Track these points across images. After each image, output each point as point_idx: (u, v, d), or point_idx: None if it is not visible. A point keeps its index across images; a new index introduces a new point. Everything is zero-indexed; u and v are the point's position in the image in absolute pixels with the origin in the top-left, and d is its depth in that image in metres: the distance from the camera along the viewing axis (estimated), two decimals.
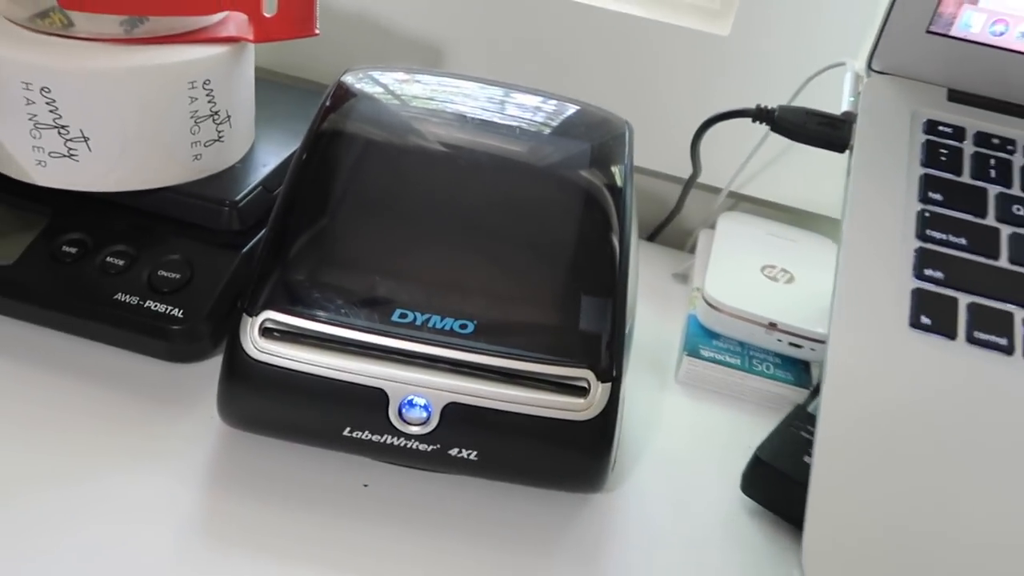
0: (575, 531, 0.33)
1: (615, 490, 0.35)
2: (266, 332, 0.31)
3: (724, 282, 0.43)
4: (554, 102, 0.38)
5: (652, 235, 0.53)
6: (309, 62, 0.51)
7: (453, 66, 0.52)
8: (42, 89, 0.33)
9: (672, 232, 0.54)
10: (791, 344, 0.41)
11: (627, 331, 0.33)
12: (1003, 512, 0.26)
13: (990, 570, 0.25)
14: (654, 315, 0.46)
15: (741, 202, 0.53)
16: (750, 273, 0.44)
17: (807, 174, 0.49)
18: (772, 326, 0.41)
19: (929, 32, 0.34)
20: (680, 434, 0.39)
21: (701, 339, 0.42)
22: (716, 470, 0.37)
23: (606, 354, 0.31)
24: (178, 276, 0.36)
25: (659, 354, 0.43)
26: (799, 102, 0.41)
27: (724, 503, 0.36)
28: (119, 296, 0.35)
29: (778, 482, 0.34)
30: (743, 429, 0.39)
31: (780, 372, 0.41)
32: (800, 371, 0.42)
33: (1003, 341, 0.28)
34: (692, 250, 0.51)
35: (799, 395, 0.40)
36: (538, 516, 0.34)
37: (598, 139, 0.36)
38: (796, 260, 0.46)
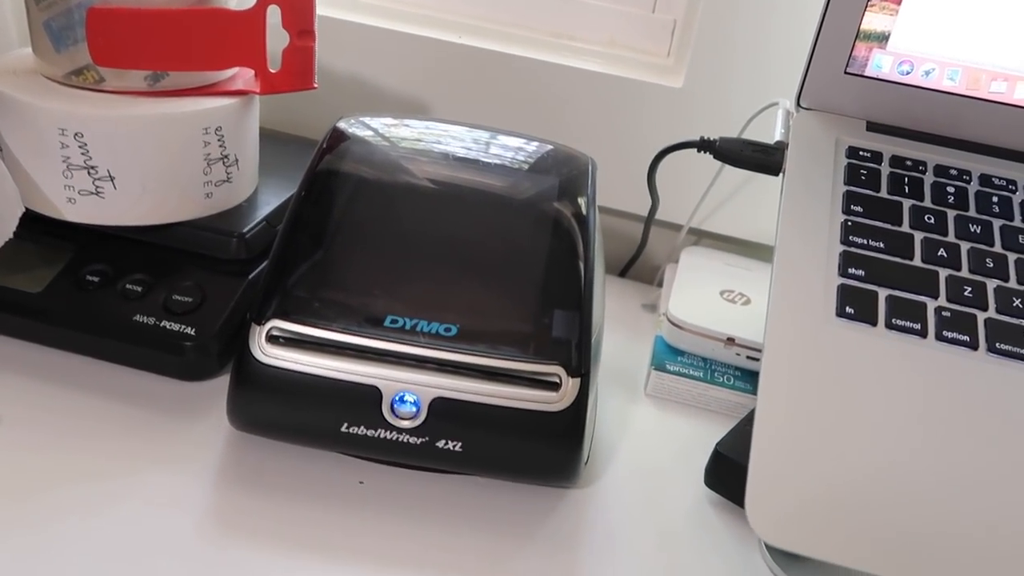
0: (553, 522, 0.36)
1: (589, 487, 0.39)
2: (272, 339, 0.35)
3: (686, 304, 0.47)
4: (527, 141, 0.43)
5: (623, 271, 0.58)
6: (306, 119, 0.56)
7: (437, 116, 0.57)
8: (76, 134, 0.37)
9: (641, 268, 0.58)
10: (748, 357, 0.45)
11: (595, 338, 0.37)
12: (917, 461, 0.30)
13: (908, 512, 0.29)
14: (625, 340, 0.50)
15: (703, 238, 0.58)
16: (710, 296, 0.49)
17: (760, 210, 0.54)
18: (730, 341, 0.45)
19: (847, 73, 0.40)
20: (649, 439, 0.42)
21: (667, 356, 0.46)
22: (682, 469, 0.40)
23: (575, 354, 0.35)
24: (191, 300, 0.40)
25: (630, 373, 0.47)
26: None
27: (689, 497, 0.39)
28: (138, 317, 0.39)
29: (737, 473, 0.37)
30: (707, 434, 0.42)
31: (740, 383, 0.45)
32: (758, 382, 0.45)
33: (917, 326, 0.32)
34: (659, 283, 0.55)
35: None
36: (519, 510, 0.37)
37: (565, 173, 0.41)
38: (752, 285, 0.50)
